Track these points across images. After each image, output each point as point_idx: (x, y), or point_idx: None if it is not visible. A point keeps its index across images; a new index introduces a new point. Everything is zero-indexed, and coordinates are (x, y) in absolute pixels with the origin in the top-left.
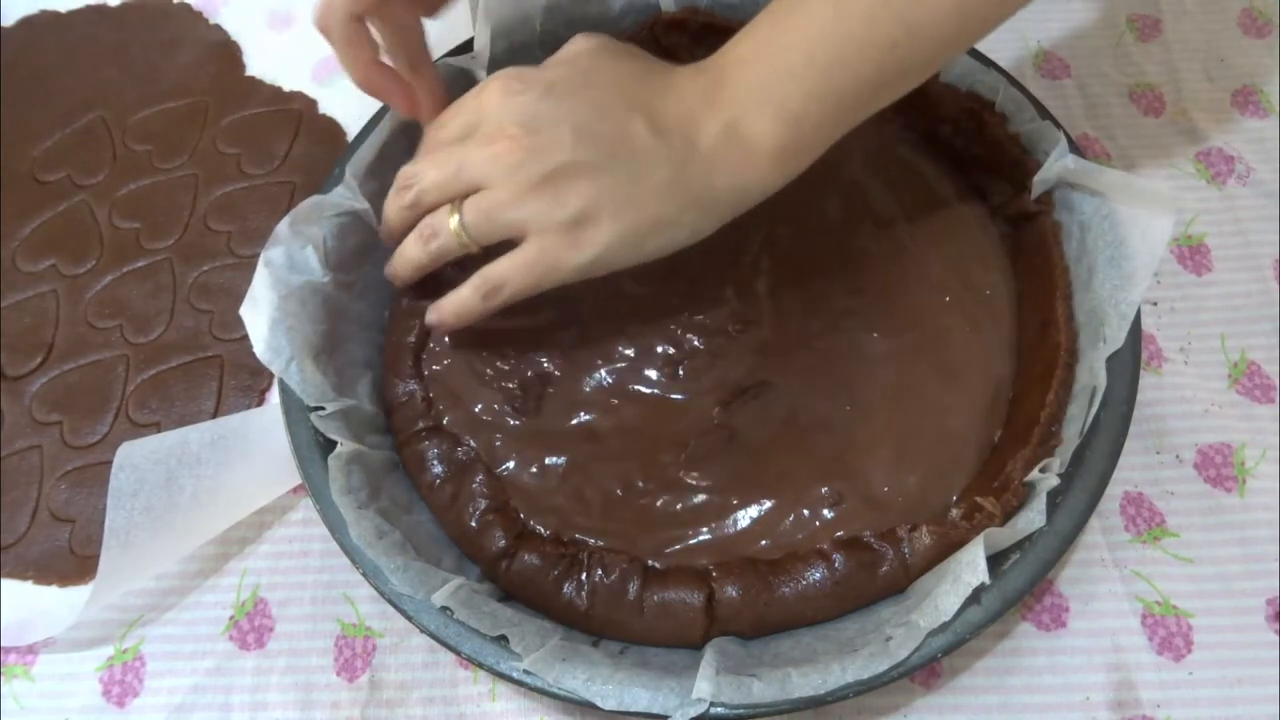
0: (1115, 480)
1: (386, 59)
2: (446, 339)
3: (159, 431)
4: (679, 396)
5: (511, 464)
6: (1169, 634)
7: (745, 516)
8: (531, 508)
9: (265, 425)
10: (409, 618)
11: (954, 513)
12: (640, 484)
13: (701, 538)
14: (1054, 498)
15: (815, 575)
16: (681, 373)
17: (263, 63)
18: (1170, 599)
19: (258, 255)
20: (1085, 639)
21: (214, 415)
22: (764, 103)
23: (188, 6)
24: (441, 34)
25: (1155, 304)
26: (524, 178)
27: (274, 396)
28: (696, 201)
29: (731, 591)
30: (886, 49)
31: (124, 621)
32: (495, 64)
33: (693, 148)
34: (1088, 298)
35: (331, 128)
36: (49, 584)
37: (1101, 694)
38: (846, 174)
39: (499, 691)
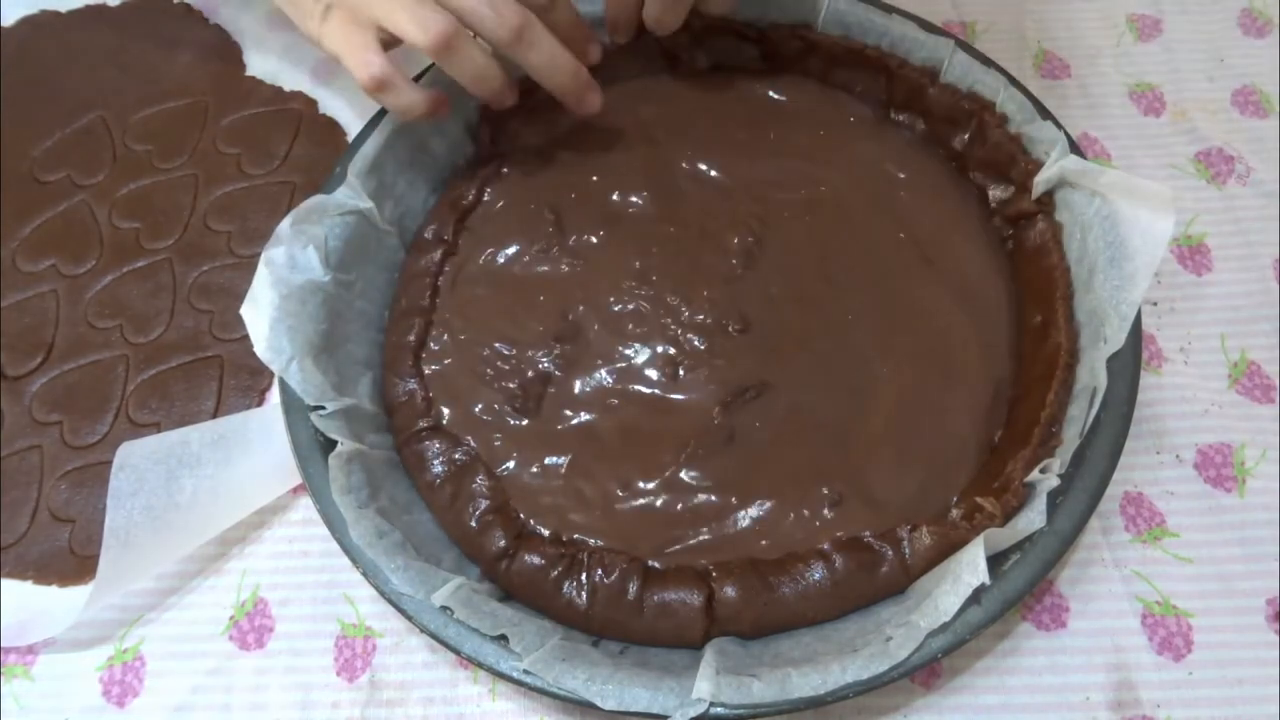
0: (1115, 480)
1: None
2: (446, 337)
3: (159, 431)
4: (679, 396)
5: (511, 464)
6: (1169, 634)
7: (745, 516)
8: (531, 508)
9: (265, 425)
10: (409, 618)
11: (954, 513)
12: (640, 484)
13: (701, 538)
14: (1054, 498)
15: (815, 575)
16: (681, 373)
17: (263, 63)
18: (1170, 599)
19: (258, 255)
20: (1085, 639)
21: (214, 415)
22: None
23: (188, 6)
24: None
25: (1155, 304)
26: None
27: (274, 396)
28: None
29: (731, 591)
30: None
31: (124, 621)
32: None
33: None
34: (1088, 298)
35: (331, 128)
36: (49, 584)
37: (1101, 694)
38: (847, 175)
39: (499, 691)
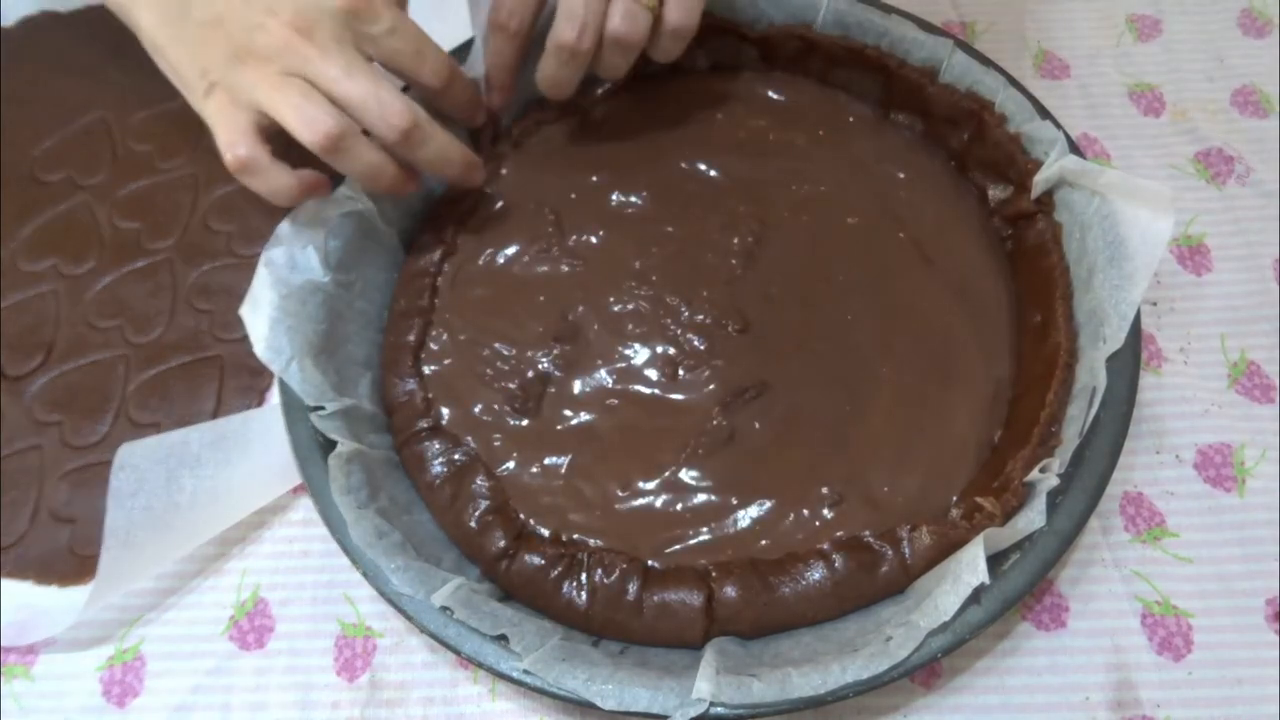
0: (1115, 480)
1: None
2: (445, 337)
3: (159, 431)
4: (679, 396)
5: (511, 464)
6: (1169, 634)
7: (745, 516)
8: (531, 508)
9: (265, 425)
10: (409, 618)
11: (954, 513)
12: (640, 484)
13: (701, 538)
14: (1054, 498)
15: (815, 575)
16: (681, 373)
17: None
18: (1170, 599)
19: (258, 255)
20: (1085, 639)
21: (214, 415)
22: None
23: None
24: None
25: (1155, 304)
26: None
27: (274, 396)
28: None
29: (731, 591)
30: None
31: (124, 621)
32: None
33: None
34: (1087, 298)
35: None
36: (49, 584)
37: (1101, 694)
38: (846, 175)
39: (499, 691)
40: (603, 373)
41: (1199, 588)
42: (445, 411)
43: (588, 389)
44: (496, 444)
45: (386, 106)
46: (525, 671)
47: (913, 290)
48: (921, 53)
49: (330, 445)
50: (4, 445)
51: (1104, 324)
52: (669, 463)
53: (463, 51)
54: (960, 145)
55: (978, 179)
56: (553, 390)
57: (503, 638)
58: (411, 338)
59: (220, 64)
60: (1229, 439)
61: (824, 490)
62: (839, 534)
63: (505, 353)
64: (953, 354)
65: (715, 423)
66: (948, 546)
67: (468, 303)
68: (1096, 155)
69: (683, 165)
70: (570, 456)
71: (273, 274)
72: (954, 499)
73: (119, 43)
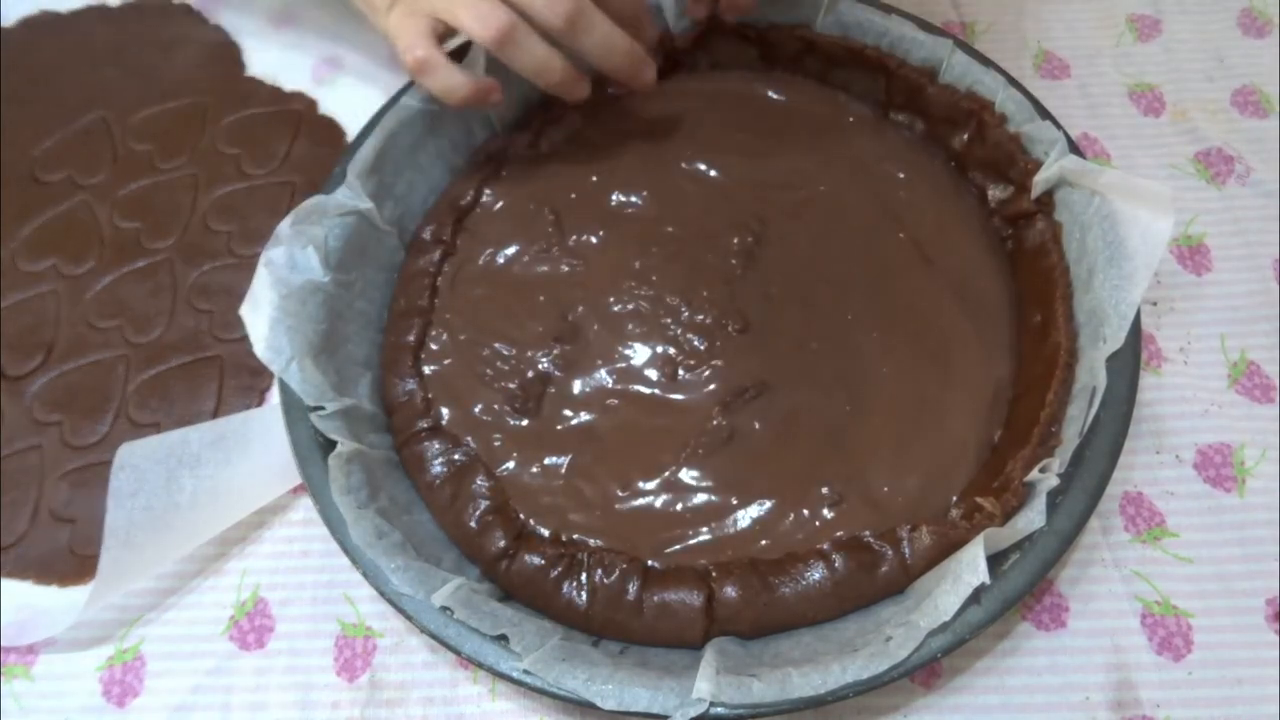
0: (1115, 480)
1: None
2: (445, 337)
3: (159, 431)
4: (679, 396)
5: (511, 464)
6: (1169, 634)
7: (745, 516)
8: (531, 508)
9: (265, 425)
10: (409, 618)
11: (954, 513)
12: (640, 484)
13: (701, 538)
14: (1054, 498)
15: (815, 575)
16: (681, 373)
17: (263, 63)
18: (1170, 599)
19: (258, 255)
20: (1085, 639)
21: (214, 415)
22: None
23: (188, 7)
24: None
25: (1155, 304)
26: None
27: (274, 396)
28: None
29: (731, 591)
30: None
31: (124, 621)
32: (494, 65)
33: None
34: (1087, 298)
35: (331, 128)
36: (49, 584)
37: (1101, 694)
38: (846, 175)
39: (499, 691)
40: (603, 373)
41: (1199, 588)
42: (445, 411)
43: (588, 389)
44: (496, 444)
45: None
46: (525, 671)
47: (913, 290)
48: (921, 53)
49: (330, 445)
50: (4, 445)
51: (1104, 324)
52: (669, 463)
53: (463, 51)
54: (960, 145)
55: (978, 179)
56: (553, 390)
57: (503, 638)
58: (411, 338)
59: None
60: (1229, 439)
61: (824, 490)
62: (839, 534)
63: (505, 353)
64: (953, 354)
65: (715, 423)
66: (948, 546)
67: (468, 303)
68: (1096, 155)
69: (683, 165)
70: (570, 456)
71: (273, 274)
72: (954, 499)
73: (119, 43)
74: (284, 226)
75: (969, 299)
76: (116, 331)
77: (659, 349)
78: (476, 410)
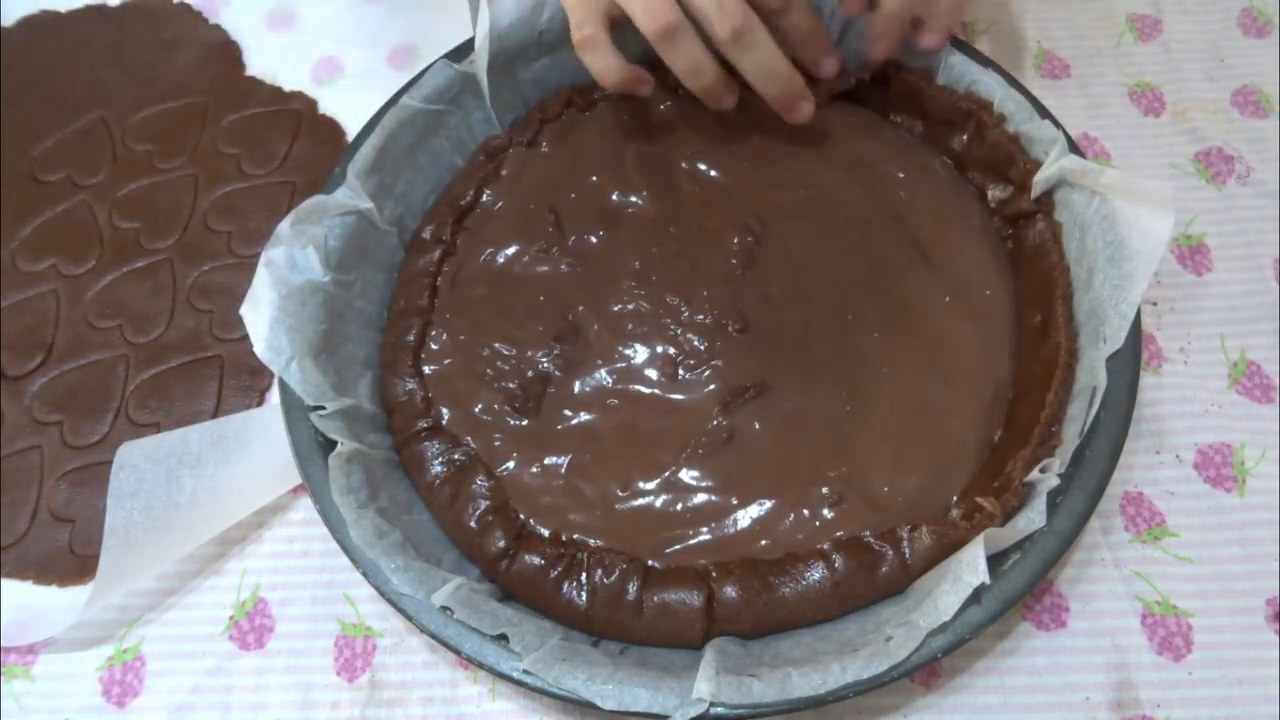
0: (1115, 480)
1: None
2: (445, 337)
3: (159, 431)
4: (679, 396)
5: (511, 464)
6: (1169, 634)
7: (745, 516)
8: (531, 508)
9: (265, 425)
10: (409, 618)
11: (954, 513)
12: (640, 484)
13: (701, 538)
14: (1054, 498)
15: (815, 575)
16: (681, 373)
17: (263, 63)
18: (1170, 599)
19: (258, 255)
20: (1085, 639)
21: (214, 415)
22: None
23: (188, 6)
24: (441, 34)
25: (1155, 304)
26: None
27: (274, 396)
28: None
29: (731, 591)
30: None
31: (124, 621)
32: (495, 65)
33: None
34: (1088, 298)
35: (331, 128)
36: (49, 584)
37: (1101, 694)
38: (846, 175)
39: (499, 691)
40: (603, 373)
41: (1199, 588)
42: (445, 411)
43: (588, 389)
44: (496, 444)
45: (725, 5)
46: (525, 671)
47: (913, 290)
48: None
49: (330, 445)
50: (4, 445)
51: (1104, 324)
52: (669, 463)
53: (463, 52)
54: (960, 145)
55: (977, 179)
56: (553, 390)
57: (503, 638)
58: (411, 338)
59: None
60: (1229, 439)
61: (824, 490)
62: (839, 534)
63: (505, 353)
64: (953, 354)
65: (715, 423)
66: (948, 546)
67: (468, 303)
68: (1096, 155)
69: (683, 165)
70: (570, 456)
71: (273, 274)
72: (954, 499)
73: (119, 43)
74: (284, 226)
75: (969, 299)
76: (116, 331)
77: (659, 349)
78: (476, 410)
